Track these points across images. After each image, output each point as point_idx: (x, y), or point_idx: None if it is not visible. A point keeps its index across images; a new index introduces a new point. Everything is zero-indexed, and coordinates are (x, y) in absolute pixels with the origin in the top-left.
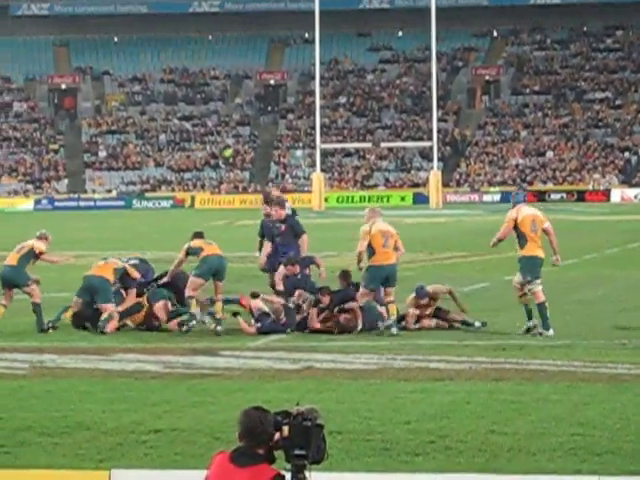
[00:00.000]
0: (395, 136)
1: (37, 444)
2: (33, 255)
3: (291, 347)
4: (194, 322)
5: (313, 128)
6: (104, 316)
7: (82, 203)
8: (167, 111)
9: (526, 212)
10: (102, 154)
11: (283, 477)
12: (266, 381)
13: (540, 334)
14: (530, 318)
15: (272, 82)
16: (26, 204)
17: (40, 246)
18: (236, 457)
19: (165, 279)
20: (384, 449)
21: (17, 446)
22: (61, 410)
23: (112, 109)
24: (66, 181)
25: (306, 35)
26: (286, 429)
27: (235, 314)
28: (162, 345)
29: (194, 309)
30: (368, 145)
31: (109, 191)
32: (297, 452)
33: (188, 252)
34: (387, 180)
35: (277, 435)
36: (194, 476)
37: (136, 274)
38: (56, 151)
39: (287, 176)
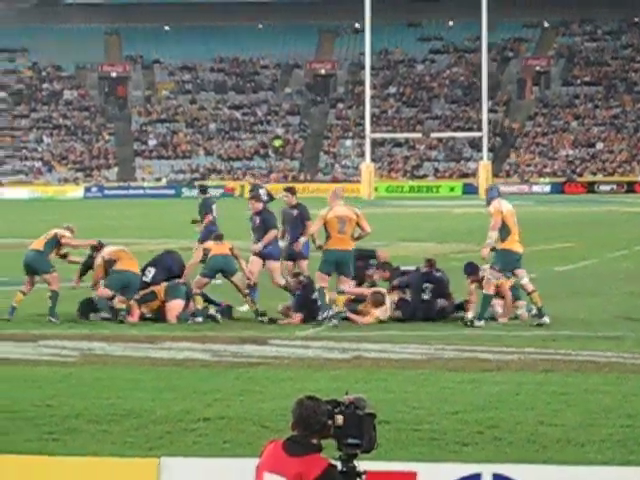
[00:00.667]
0: (445, 126)
1: (86, 431)
2: (57, 241)
3: (340, 337)
4: (199, 318)
5: (363, 118)
6: (119, 305)
7: (132, 191)
8: (217, 100)
9: (508, 206)
10: (152, 142)
11: (335, 467)
12: (315, 370)
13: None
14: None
15: (322, 72)
16: (76, 192)
17: (64, 232)
18: (289, 446)
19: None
20: (432, 439)
21: (66, 433)
22: (110, 398)
23: (162, 98)
24: (116, 169)
25: (356, 25)
26: (340, 418)
27: (264, 317)
28: (211, 334)
29: (199, 305)
30: (418, 135)
31: (159, 179)
32: (350, 441)
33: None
34: (437, 170)
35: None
36: (244, 464)
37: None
38: (106, 139)
39: (336, 166)
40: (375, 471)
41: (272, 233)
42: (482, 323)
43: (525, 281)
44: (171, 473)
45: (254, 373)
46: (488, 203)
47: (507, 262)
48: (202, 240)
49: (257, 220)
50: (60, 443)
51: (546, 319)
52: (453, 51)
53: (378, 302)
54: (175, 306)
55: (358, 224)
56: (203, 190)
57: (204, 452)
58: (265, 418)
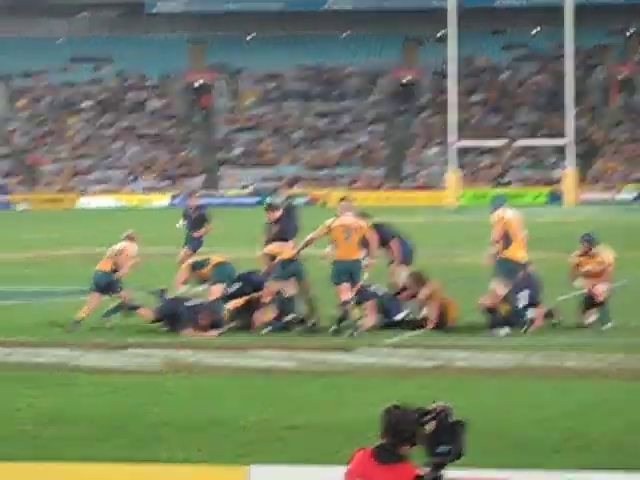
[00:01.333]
0: (530, 134)
1: (174, 439)
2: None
3: (426, 344)
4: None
5: (447, 125)
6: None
7: (217, 200)
8: (302, 108)
9: (511, 214)
10: (237, 151)
11: (422, 477)
12: (401, 378)
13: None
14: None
15: (406, 80)
16: (162, 200)
17: (128, 247)
18: (378, 454)
19: None
20: (520, 446)
21: (155, 441)
22: (197, 406)
23: (247, 106)
24: (201, 178)
25: (440, 33)
26: (430, 426)
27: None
28: (297, 342)
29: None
30: (503, 143)
31: (244, 188)
32: (441, 449)
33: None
34: (522, 178)
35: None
36: (333, 472)
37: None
38: (191, 148)
39: (421, 173)
40: (463, 479)
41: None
42: (504, 331)
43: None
44: None
45: (340, 381)
46: (492, 212)
47: (510, 270)
48: (194, 249)
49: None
50: (149, 451)
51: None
52: (537, 58)
53: (421, 280)
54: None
55: (364, 237)
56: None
57: (291, 460)
58: (351, 426)
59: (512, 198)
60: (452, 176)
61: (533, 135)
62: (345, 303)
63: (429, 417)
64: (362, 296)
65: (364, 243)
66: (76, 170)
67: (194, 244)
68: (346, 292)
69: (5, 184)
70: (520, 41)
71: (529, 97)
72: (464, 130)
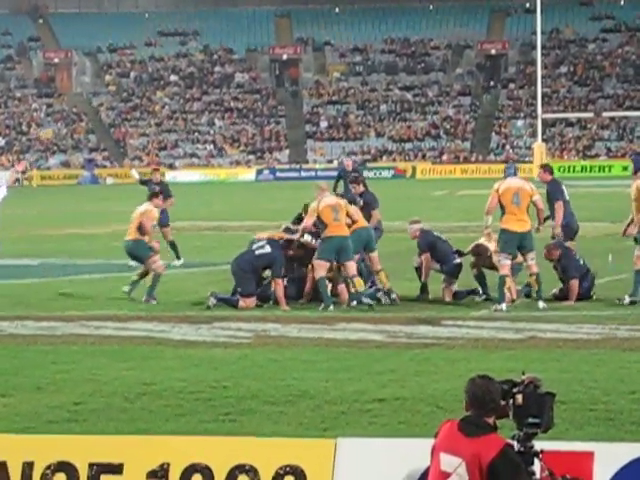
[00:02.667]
0: (617, 105)
1: (262, 412)
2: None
3: (514, 317)
4: (354, 302)
5: (534, 98)
6: None
7: (303, 173)
8: (388, 81)
9: (509, 184)
10: (323, 124)
11: (512, 447)
12: (489, 351)
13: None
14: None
15: (493, 52)
16: (248, 174)
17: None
18: (465, 426)
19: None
20: (608, 419)
21: (243, 414)
22: (285, 379)
23: (333, 80)
24: (287, 151)
25: (527, 4)
26: (520, 397)
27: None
28: (385, 315)
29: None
30: (590, 115)
31: (330, 161)
32: (531, 420)
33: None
34: (609, 150)
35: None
36: (420, 444)
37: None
38: (278, 122)
39: (508, 146)
40: (552, 451)
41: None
42: (502, 307)
43: (532, 262)
44: (348, 454)
45: (428, 354)
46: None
47: (505, 241)
48: (162, 224)
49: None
50: (236, 424)
51: (540, 304)
52: (625, 30)
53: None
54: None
55: (347, 213)
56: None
57: (379, 433)
58: (439, 398)
59: (599, 170)
60: (539, 148)
61: (620, 107)
62: (322, 279)
63: (518, 389)
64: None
65: None
66: (163, 144)
67: (163, 219)
68: (324, 269)
69: (93, 159)
70: (607, 12)
71: (616, 69)
72: (551, 102)
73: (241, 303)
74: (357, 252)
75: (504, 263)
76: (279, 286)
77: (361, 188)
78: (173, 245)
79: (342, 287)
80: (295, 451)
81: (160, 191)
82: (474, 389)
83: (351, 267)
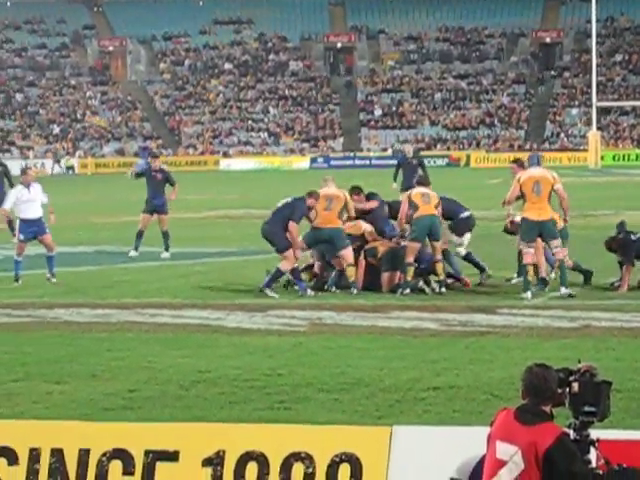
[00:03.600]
0: None
1: (317, 400)
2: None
3: (569, 305)
4: (407, 290)
5: (589, 86)
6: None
7: (358, 161)
8: (442, 69)
9: (531, 173)
10: (377, 113)
11: (568, 435)
12: (544, 339)
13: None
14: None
15: (547, 40)
16: (302, 162)
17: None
18: (521, 414)
19: None
20: None
21: (297, 402)
22: (340, 367)
23: (387, 68)
24: (342, 139)
25: None
26: (576, 385)
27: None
28: (440, 303)
29: (409, 277)
30: None
31: (384, 149)
32: (587, 409)
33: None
34: None
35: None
36: (476, 433)
37: None
38: (332, 110)
39: (562, 134)
40: (608, 439)
41: None
42: (528, 295)
43: (556, 250)
44: (403, 441)
45: (483, 342)
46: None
47: (524, 230)
48: (161, 212)
49: None
50: (291, 412)
51: (565, 290)
52: None
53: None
54: (393, 277)
55: (346, 206)
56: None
57: (434, 421)
58: (495, 387)
59: None
60: (593, 137)
61: None
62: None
63: (575, 377)
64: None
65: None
66: (217, 132)
67: (162, 207)
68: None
69: (147, 146)
70: None
71: None
72: (606, 91)
73: (282, 264)
74: (421, 239)
75: (526, 252)
76: (293, 233)
77: (362, 198)
78: (166, 235)
79: (385, 275)
80: (350, 439)
81: (165, 178)
82: (531, 377)
83: (346, 256)
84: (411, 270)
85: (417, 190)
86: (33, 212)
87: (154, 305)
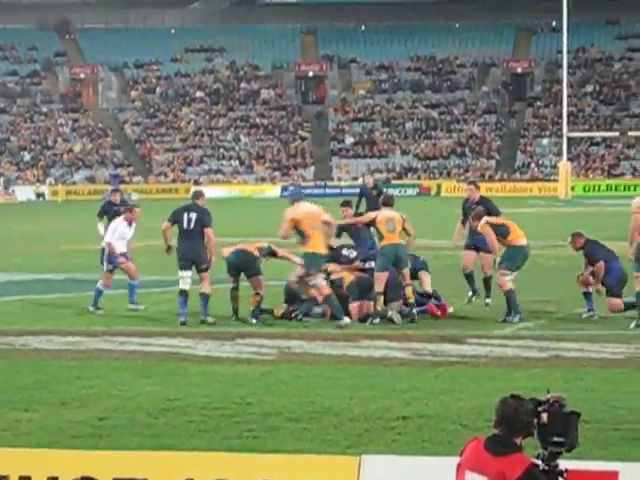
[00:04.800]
0: None
1: (285, 429)
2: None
3: (538, 335)
4: (377, 320)
5: (560, 117)
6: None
7: (329, 190)
8: (413, 99)
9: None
10: (349, 141)
11: (537, 466)
12: (513, 369)
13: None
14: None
15: (519, 70)
16: (273, 191)
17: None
18: (491, 444)
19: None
20: (633, 439)
21: (266, 431)
22: (309, 396)
23: (359, 97)
24: (313, 168)
25: (553, 23)
26: (545, 416)
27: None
28: (410, 332)
29: (379, 306)
30: (615, 134)
31: (355, 178)
32: (556, 439)
33: None
34: (634, 169)
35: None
36: (445, 462)
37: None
38: (303, 138)
39: (533, 165)
40: (576, 470)
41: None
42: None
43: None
44: (371, 471)
45: (453, 372)
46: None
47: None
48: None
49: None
50: (260, 441)
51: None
52: None
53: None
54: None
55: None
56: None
57: (403, 450)
58: (464, 417)
59: (625, 189)
60: (564, 167)
61: None
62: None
63: (543, 407)
64: None
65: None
66: (188, 160)
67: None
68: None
69: (118, 174)
70: (633, 31)
71: None
72: (577, 121)
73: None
74: (388, 268)
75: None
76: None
77: (351, 212)
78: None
79: (353, 305)
80: (319, 468)
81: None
82: (504, 408)
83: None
84: (380, 299)
85: (382, 215)
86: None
87: (124, 333)
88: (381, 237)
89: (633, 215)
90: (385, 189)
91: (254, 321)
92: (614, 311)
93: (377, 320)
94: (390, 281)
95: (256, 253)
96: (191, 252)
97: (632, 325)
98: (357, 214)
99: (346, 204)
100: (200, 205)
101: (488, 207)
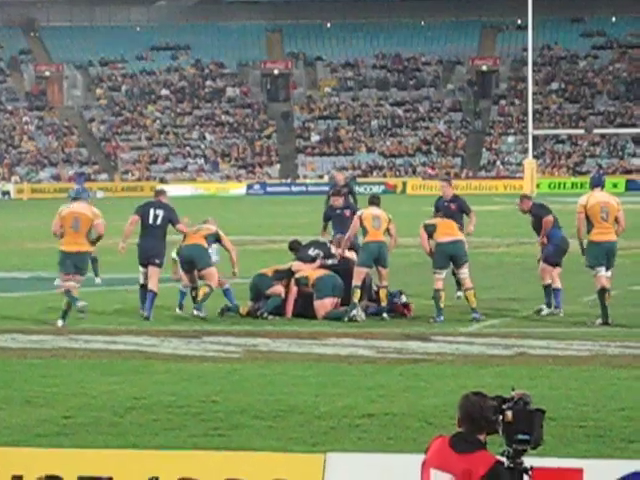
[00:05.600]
0: (608, 122)
1: (251, 427)
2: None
3: (504, 333)
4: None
5: (525, 114)
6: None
7: (294, 188)
8: (379, 96)
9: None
10: (314, 139)
11: (502, 463)
12: (479, 366)
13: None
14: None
15: (484, 68)
16: (239, 189)
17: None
18: (455, 442)
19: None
20: (598, 436)
21: (232, 429)
22: (274, 394)
23: (324, 94)
24: (278, 166)
25: (518, 21)
26: (510, 414)
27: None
28: (375, 330)
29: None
30: (580, 132)
31: (321, 176)
32: (520, 437)
33: None
34: (599, 167)
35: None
36: (409, 460)
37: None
38: (269, 136)
39: (498, 162)
40: (541, 467)
41: None
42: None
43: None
44: (336, 469)
45: (418, 369)
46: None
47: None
48: None
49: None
50: (225, 439)
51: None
52: (616, 46)
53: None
54: (326, 304)
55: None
56: None
57: (368, 448)
58: (429, 414)
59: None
60: (529, 165)
61: (611, 124)
62: None
63: (508, 405)
64: None
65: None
66: (154, 158)
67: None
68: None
69: (83, 172)
70: (599, 29)
71: (607, 85)
72: (542, 119)
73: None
74: (369, 265)
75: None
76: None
77: (341, 200)
78: (94, 260)
79: (318, 303)
80: (284, 466)
81: None
82: (467, 406)
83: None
84: (357, 292)
85: (368, 212)
86: None
87: (89, 331)
88: (365, 233)
89: (577, 214)
90: (355, 186)
91: (196, 312)
92: (543, 277)
93: (354, 312)
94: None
95: (205, 244)
96: (152, 248)
97: (597, 322)
98: (328, 208)
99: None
100: (165, 203)
101: (460, 205)
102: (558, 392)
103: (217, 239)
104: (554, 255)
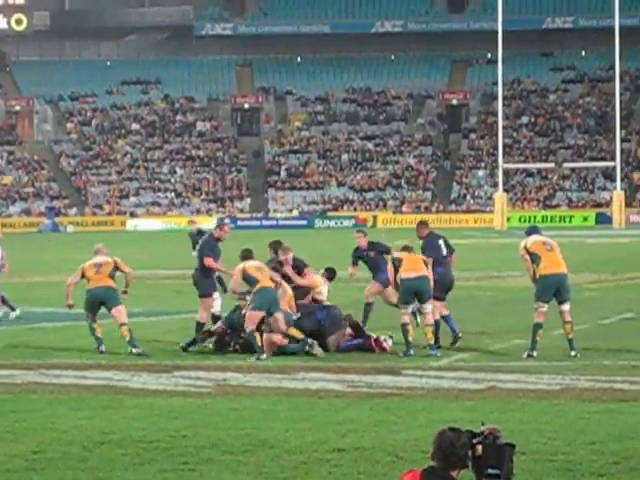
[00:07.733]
0: (578, 156)
1: (221, 462)
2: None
3: (474, 367)
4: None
5: (495, 148)
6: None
7: (264, 222)
8: (349, 131)
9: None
10: (284, 174)
11: None
12: (449, 401)
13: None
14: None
15: (454, 102)
16: (210, 223)
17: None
18: (427, 477)
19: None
20: (568, 470)
21: (202, 464)
22: (245, 428)
23: (294, 129)
24: (249, 200)
25: (488, 55)
26: (480, 448)
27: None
28: (345, 364)
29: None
30: (551, 165)
31: (290, 211)
32: (491, 471)
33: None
34: (570, 200)
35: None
36: None
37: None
38: (239, 170)
39: (469, 196)
40: None
41: None
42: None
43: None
44: None
45: (388, 404)
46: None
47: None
48: None
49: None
50: (196, 473)
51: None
52: (586, 80)
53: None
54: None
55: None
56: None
57: None
58: (400, 449)
59: (560, 220)
60: (499, 198)
61: (581, 157)
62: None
63: (478, 439)
64: None
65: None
66: (124, 192)
67: None
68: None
69: (54, 207)
70: (568, 63)
71: (577, 119)
72: (512, 152)
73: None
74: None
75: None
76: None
77: (364, 240)
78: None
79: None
80: None
81: None
82: (440, 441)
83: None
84: (257, 337)
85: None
86: None
87: (59, 366)
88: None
89: (522, 258)
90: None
91: (134, 350)
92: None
93: (264, 356)
94: (330, 316)
95: (113, 284)
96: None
97: (524, 355)
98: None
99: (360, 231)
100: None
101: (378, 249)
102: (528, 426)
103: (116, 268)
104: (436, 290)
